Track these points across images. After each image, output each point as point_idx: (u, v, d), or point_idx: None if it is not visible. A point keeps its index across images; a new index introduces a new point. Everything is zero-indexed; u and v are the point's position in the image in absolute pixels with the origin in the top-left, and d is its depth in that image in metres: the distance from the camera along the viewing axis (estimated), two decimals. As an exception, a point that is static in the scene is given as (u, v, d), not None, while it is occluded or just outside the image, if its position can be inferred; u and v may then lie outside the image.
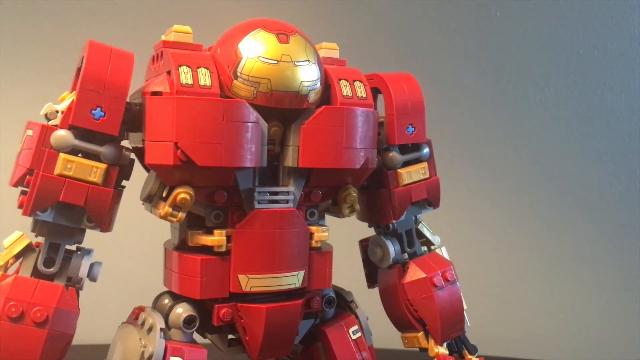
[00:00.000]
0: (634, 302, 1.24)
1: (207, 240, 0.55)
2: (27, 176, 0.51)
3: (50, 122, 0.52)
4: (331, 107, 0.57)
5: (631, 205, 1.24)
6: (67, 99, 0.53)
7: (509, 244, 1.25)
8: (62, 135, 0.51)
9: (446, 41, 1.21)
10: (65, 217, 0.53)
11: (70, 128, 0.52)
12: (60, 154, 0.51)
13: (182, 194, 0.53)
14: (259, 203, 0.55)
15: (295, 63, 0.54)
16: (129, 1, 1.10)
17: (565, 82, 1.24)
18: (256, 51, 0.53)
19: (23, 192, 0.53)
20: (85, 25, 1.09)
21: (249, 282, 0.55)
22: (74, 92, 0.52)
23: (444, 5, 1.20)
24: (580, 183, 1.24)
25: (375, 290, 0.70)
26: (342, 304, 0.65)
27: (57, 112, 0.53)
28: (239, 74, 0.53)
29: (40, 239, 0.55)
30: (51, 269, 0.54)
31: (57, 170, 0.51)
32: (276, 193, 0.56)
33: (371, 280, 0.71)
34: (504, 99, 1.23)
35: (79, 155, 0.52)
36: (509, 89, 1.23)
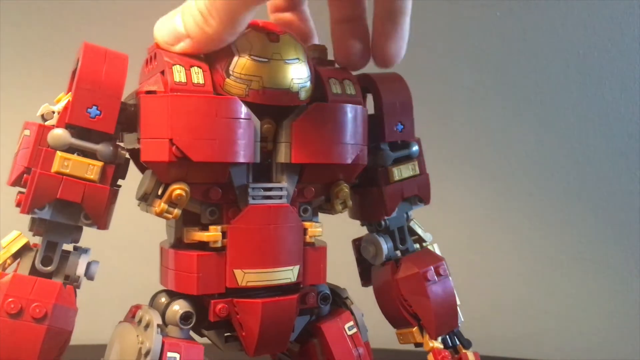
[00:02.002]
0: (635, 302, 1.24)
1: (202, 236, 0.55)
2: (25, 175, 0.52)
3: (47, 123, 0.53)
4: (321, 103, 0.57)
5: (631, 205, 1.24)
6: (63, 100, 0.54)
7: (509, 244, 1.25)
8: (59, 133, 0.52)
9: (446, 41, 1.21)
10: (63, 215, 0.54)
11: (67, 127, 0.52)
12: (57, 152, 0.52)
13: (178, 190, 0.53)
14: (253, 199, 0.56)
15: (286, 61, 0.54)
16: (129, 1, 1.11)
17: (565, 82, 1.24)
18: (247, 50, 0.54)
19: (21, 191, 0.53)
20: (86, 25, 1.09)
21: (245, 277, 0.55)
22: (70, 93, 0.53)
23: (444, 5, 1.20)
24: (580, 183, 1.24)
25: (372, 292, 0.70)
26: (338, 300, 0.66)
27: (53, 112, 0.53)
28: (231, 72, 0.53)
29: (38, 240, 0.55)
30: (49, 268, 0.54)
31: (55, 168, 0.52)
32: (270, 189, 0.57)
33: (365, 279, 0.71)
34: (504, 99, 1.23)
35: (76, 153, 0.53)
36: (509, 89, 1.24)
